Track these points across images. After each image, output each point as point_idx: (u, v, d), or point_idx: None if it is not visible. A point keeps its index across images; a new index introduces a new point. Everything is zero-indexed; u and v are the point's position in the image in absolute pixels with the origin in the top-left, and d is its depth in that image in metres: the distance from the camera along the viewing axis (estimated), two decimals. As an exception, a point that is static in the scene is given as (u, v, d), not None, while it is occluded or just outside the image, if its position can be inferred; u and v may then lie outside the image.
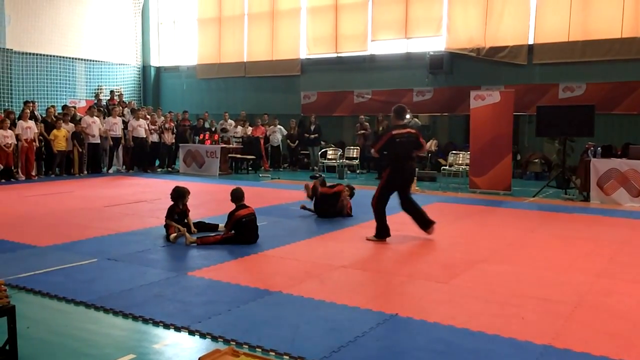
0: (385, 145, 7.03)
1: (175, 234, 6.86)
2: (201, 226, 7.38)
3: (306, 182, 9.25)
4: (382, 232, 7.07)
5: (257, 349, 3.68)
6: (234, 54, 20.09)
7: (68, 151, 14.48)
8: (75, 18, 19.21)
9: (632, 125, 13.85)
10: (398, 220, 8.58)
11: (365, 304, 4.56)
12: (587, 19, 14.40)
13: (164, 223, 7.11)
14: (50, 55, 18.52)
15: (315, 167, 16.60)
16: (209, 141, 15.87)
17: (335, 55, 18.14)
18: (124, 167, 16.14)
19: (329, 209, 8.67)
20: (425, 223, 7.16)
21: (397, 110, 7.17)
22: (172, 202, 7.23)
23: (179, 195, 7.20)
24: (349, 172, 15.80)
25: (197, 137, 16.51)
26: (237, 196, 6.85)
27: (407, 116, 15.64)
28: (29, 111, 13.95)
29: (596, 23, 14.29)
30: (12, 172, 13.36)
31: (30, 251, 6.31)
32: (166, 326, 4.10)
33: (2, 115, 13.71)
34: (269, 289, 4.93)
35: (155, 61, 22.27)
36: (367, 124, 16.26)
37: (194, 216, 7.61)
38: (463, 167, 13.29)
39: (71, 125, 14.70)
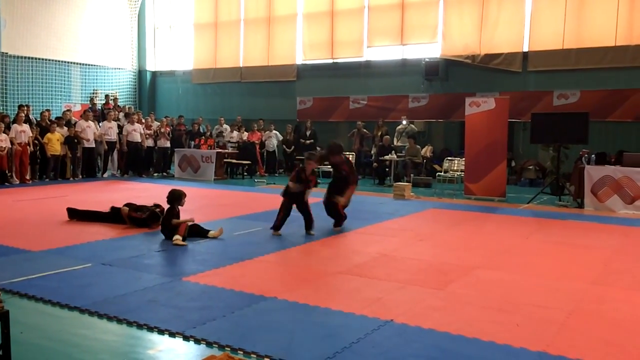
0: None
1: (181, 237, 6.93)
2: (194, 231, 7.36)
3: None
4: None
5: (252, 355, 3.67)
6: (230, 59, 20.12)
7: (62, 155, 14.43)
8: (70, 22, 19.18)
9: (626, 133, 13.94)
10: (394, 226, 8.61)
11: (360, 310, 4.56)
12: (581, 27, 14.52)
13: (169, 227, 7.12)
14: (46, 59, 18.46)
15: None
16: (204, 146, 15.86)
17: (331, 61, 18.19)
18: (119, 171, 16.10)
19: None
20: None
21: None
22: (168, 206, 7.25)
23: (174, 198, 7.25)
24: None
25: (193, 142, 16.49)
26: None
27: (404, 122, 15.89)
28: (23, 115, 13.91)
29: (590, 31, 14.41)
30: (6, 176, 13.30)
31: (24, 256, 6.27)
32: (161, 332, 4.09)
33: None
34: (264, 294, 4.92)
35: (151, 66, 22.25)
36: (365, 130, 16.31)
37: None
38: (458, 173, 13.32)
39: (66, 129, 14.67)
